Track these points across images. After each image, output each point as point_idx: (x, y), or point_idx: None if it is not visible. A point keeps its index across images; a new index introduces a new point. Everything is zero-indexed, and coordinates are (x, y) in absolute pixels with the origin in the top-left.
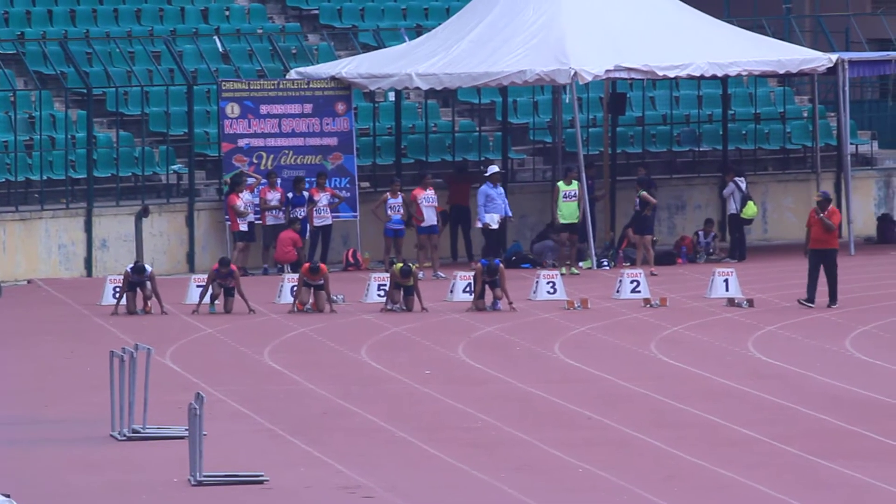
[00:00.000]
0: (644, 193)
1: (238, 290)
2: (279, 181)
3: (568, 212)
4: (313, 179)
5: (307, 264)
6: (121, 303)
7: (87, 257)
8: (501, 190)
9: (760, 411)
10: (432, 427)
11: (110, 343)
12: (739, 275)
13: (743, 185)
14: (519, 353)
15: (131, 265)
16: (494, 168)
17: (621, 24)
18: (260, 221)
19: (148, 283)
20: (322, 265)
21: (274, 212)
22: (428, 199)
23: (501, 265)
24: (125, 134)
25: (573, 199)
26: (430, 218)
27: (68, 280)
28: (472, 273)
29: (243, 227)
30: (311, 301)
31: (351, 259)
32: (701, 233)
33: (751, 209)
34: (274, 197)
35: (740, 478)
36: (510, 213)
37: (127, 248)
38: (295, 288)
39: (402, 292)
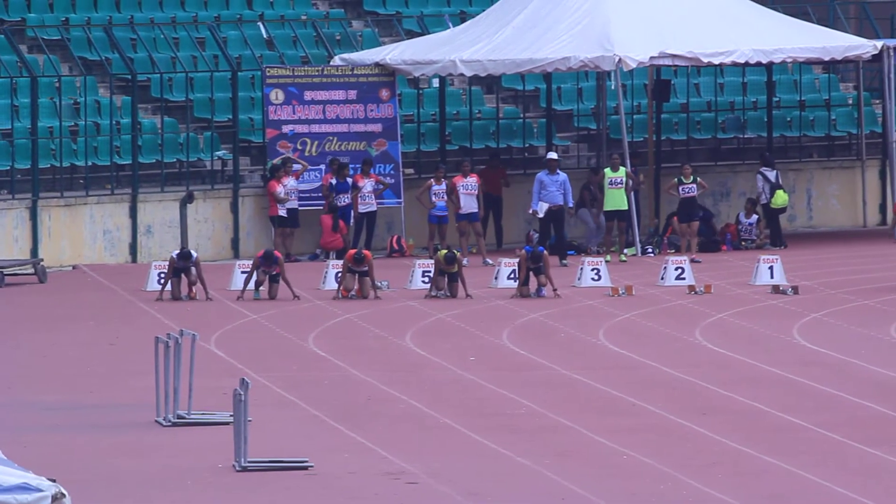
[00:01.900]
0: (700, 180)
1: (283, 276)
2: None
3: (614, 199)
4: (358, 166)
5: (352, 251)
6: (166, 288)
7: (131, 243)
8: (561, 177)
9: (805, 398)
10: (476, 413)
11: (155, 329)
12: (784, 262)
13: (771, 176)
14: (563, 339)
15: (177, 251)
16: (552, 155)
17: (666, 11)
18: (304, 207)
19: (193, 269)
20: (366, 252)
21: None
22: (467, 187)
23: (545, 252)
24: (170, 120)
25: (619, 185)
26: (468, 205)
27: (113, 266)
28: (517, 260)
29: (282, 213)
30: (355, 287)
31: (395, 245)
32: (741, 214)
33: (780, 198)
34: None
35: (784, 464)
36: (570, 203)
37: (172, 234)
38: (339, 274)
39: (446, 279)
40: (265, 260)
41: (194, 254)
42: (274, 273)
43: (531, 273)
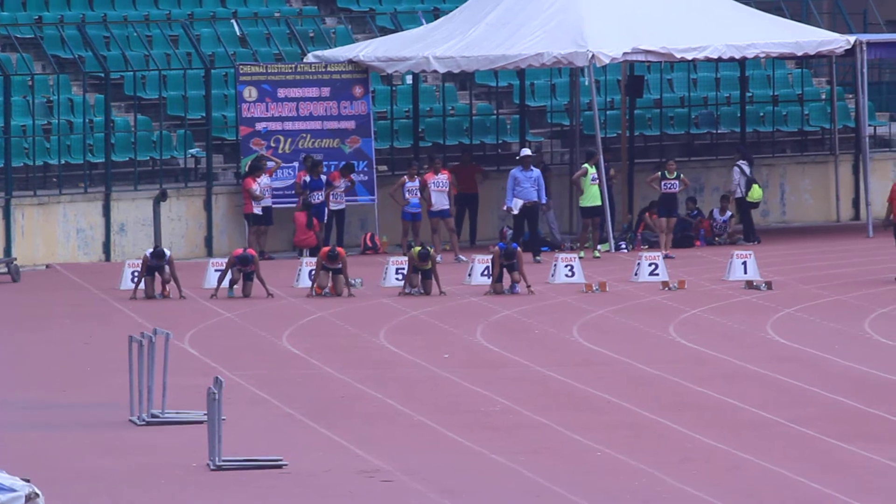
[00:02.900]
0: (682, 176)
1: (257, 274)
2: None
3: (594, 195)
4: (332, 164)
5: (325, 249)
6: (139, 287)
7: (105, 242)
8: (535, 174)
9: (779, 393)
10: (450, 410)
11: (129, 327)
12: (757, 257)
13: (747, 169)
14: (537, 336)
15: (150, 249)
16: (526, 151)
17: (639, 7)
18: (277, 205)
19: (167, 267)
20: (340, 249)
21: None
22: (438, 184)
23: (519, 249)
24: (143, 118)
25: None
26: (440, 202)
27: (87, 264)
28: (491, 256)
29: (257, 211)
30: (329, 285)
31: (369, 243)
32: (716, 210)
33: (756, 192)
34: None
35: (758, 460)
36: (544, 199)
37: (145, 233)
38: (313, 272)
39: (420, 276)
40: (240, 261)
41: (167, 252)
42: (248, 271)
43: (505, 269)
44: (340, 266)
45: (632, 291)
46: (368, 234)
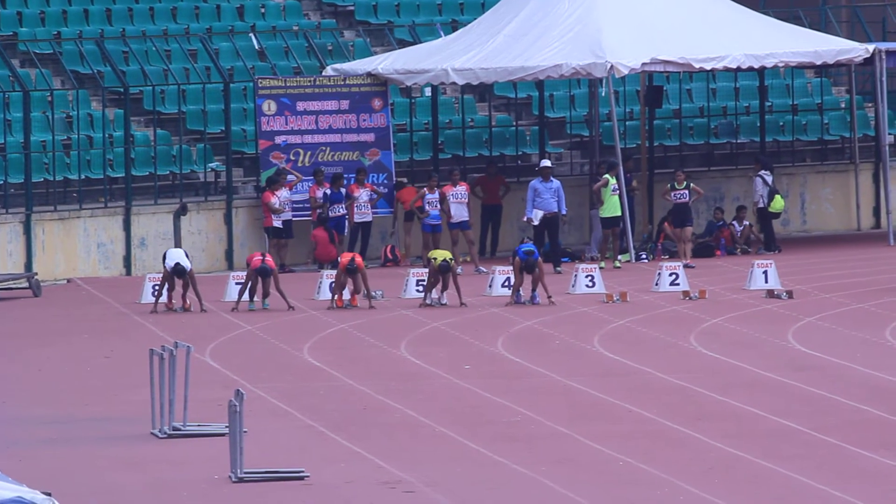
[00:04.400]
0: (693, 185)
1: (276, 286)
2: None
3: (614, 206)
4: (352, 176)
5: (344, 260)
6: (160, 300)
7: (125, 256)
8: (555, 184)
9: (801, 402)
10: (472, 422)
11: (150, 341)
12: (778, 266)
13: (769, 179)
14: (558, 346)
15: (172, 262)
16: (546, 162)
17: (657, 17)
18: (297, 218)
19: (188, 279)
20: (358, 258)
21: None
22: (457, 195)
23: (539, 259)
24: (162, 132)
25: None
26: (459, 214)
27: (107, 279)
28: (511, 267)
29: (277, 224)
30: (349, 289)
31: (389, 255)
32: (734, 222)
33: (778, 203)
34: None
35: (781, 469)
36: (564, 210)
37: (165, 247)
38: (333, 284)
39: (441, 286)
40: (259, 274)
41: (188, 265)
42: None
43: (524, 273)
44: (360, 272)
45: (653, 301)
46: (389, 247)
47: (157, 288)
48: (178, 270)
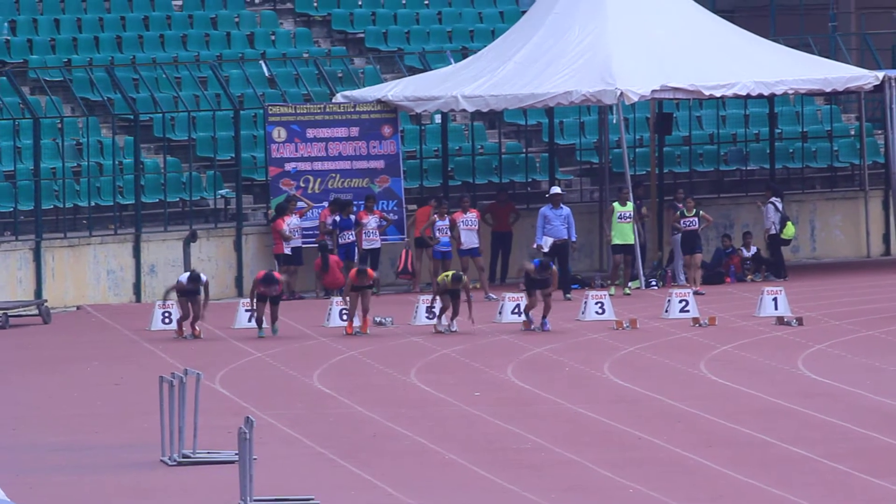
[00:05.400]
0: (703, 213)
1: (280, 293)
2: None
3: (624, 233)
4: (361, 203)
5: (354, 270)
6: (178, 320)
7: (135, 283)
8: (565, 211)
9: (811, 429)
10: (482, 449)
11: (159, 368)
12: (788, 293)
13: (780, 206)
14: (568, 373)
15: (185, 274)
16: (556, 189)
17: (667, 44)
18: (307, 245)
19: (202, 291)
20: (370, 271)
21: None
22: (467, 222)
23: (554, 267)
24: (172, 159)
25: (628, 220)
26: (469, 240)
27: (117, 306)
28: (521, 282)
29: (287, 251)
30: (358, 313)
31: (409, 267)
32: (742, 248)
33: (790, 229)
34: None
35: (791, 496)
36: (574, 237)
37: (175, 273)
38: (343, 311)
39: (450, 299)
40: (265, 281)
41: (204, 276)
42: (275, 294)
43: (538, 292)
44: (371, 283)
45: (662, 328)
46: (408, 254)
47: (167, 315)
48: (194, 277)
